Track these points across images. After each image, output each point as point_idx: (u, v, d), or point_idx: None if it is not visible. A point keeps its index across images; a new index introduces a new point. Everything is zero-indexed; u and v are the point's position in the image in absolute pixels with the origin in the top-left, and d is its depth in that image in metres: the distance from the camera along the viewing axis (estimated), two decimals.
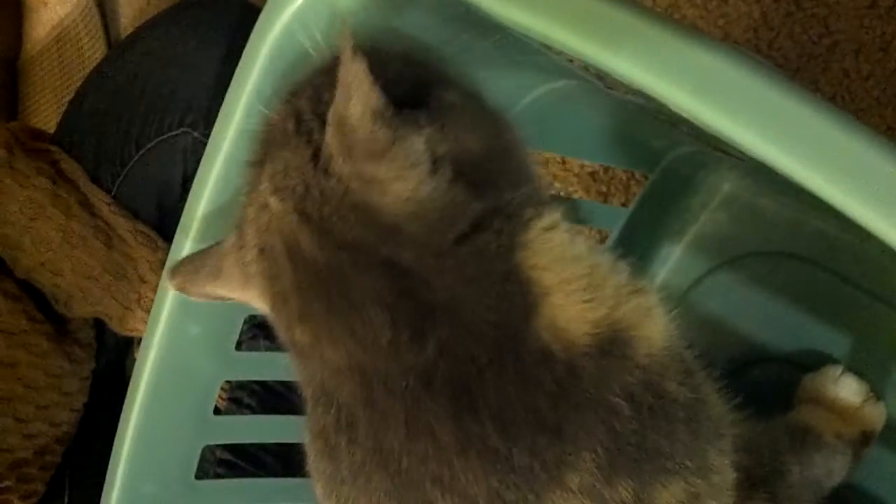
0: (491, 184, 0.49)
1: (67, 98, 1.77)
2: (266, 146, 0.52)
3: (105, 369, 1.18)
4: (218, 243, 0.57)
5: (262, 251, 0.51)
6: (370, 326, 0.47)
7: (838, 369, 0.74)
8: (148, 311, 1.08)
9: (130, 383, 0.67)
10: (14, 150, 1.07)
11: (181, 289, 0.59)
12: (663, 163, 0.84)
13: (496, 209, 0.48)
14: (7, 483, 1.04)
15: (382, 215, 0.46)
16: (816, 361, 0.77)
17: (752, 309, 0.83)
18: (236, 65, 0.59)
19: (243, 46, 0.58)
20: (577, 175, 1.00)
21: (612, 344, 0.48)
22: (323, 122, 0.48)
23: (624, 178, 0.98)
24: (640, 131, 0.81)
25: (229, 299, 0.56)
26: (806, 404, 0.74)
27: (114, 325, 1.12)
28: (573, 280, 0.49)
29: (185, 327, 0.66)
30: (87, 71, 1.69)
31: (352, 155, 0.46)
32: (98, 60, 1.70)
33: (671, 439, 0.49)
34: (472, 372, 0.46)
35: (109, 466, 0.69)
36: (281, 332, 0.52)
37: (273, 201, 0.50)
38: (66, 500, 1.11)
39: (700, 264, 0.86)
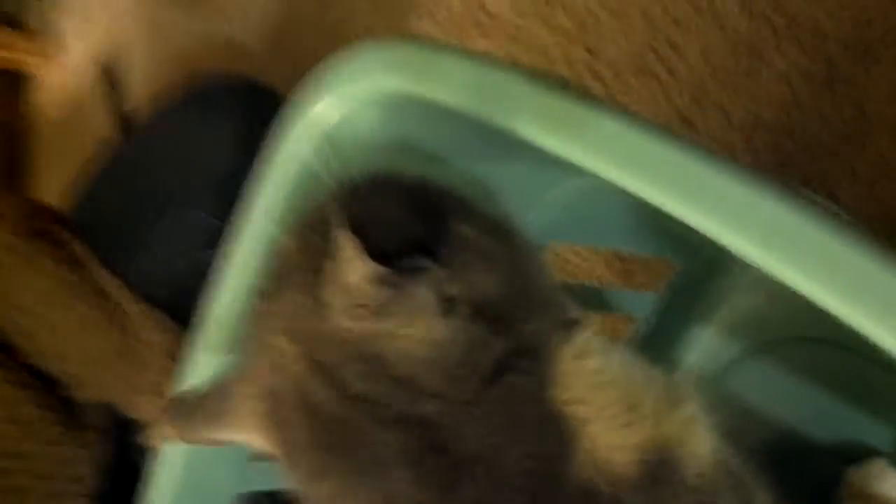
0: (512, 319, 0.46)
1: (72, 166, 1.77)
2: (277, 277, 0.49)
3: (117, 449, 1.16)
4: (216, 383, 0.54)
5: (272, 394, 0.48)
6: (398, 484, 0.44)
7: (882, 464, 0.72)
8: (161, 397, 1.08)
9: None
10: (24, 234, 1.06)
11: (179, 436, 0.55)
12: (691, 247, 0.82)
13: (520, 346, 0.45)
14: None
15: (395, 367, 0.44)
16: (860, 454, 0.74)
17: (789, 396, 0.80)
18: (247, 153, 0.58)
19: (253, 133, 0.58)
20: (599, 254, 0.98)
21: (660, 469, 0.45)
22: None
23: (647, 256, 0.96)
24: (667, 219, 0.79)
25: (231, 443, 0.53)
26: (852, 500, 0.71)
27: (124, 409, 1.10)
28: (610, 406, 0.46)
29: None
30: (92, 138, 1.70)
31: (352, 314, 0.44)
32: (103, 127, 1.71)
33: None
34: None
35: None
36: (294, 481, 0.49)
37: (283, 342, 0.47)
38: None
39: (731, 348, 0.83)
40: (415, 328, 0.43)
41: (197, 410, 0.54)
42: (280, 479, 0.71)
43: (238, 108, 1.10)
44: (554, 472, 0.44)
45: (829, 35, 0.84)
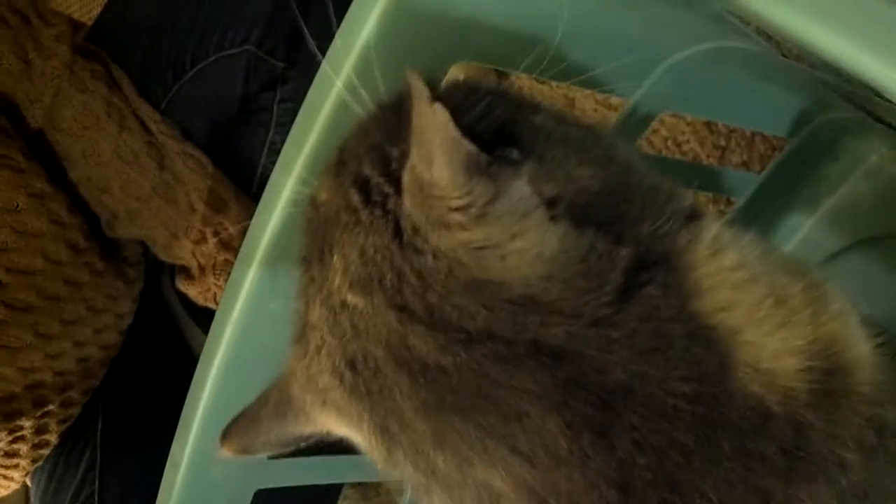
0: (624, 219, 0.39)
1: None
2: (320, 234, 0.42)
3: (143, 289, 1.12)
4: (271, 387, 0.46)
5: (351, 364, 0.41)
6: (538, 435, 0.37)
7: None
8: (195, 242, 1.02)
9: (181, 422, 0.60)
10: (79, 51, 0.98)
11: (242, 451, 0.47)
12: (808, 127, 0.75)
13: (648, 251, 0.39)
14: (51, 407, 1.00)
15: (510, 288, 0.37)
16: None
17: (888, 295, 0.74)
18: None
19: None
20: (689, 124, 0.89)
21: (832, 376, 0.39)
22: (399, 187, 0.38)
23: (748, 132, 0.86)
24: (789, 94, 0.71)
25: (305, 439, 0.47)
26: None
27: (157, 251, 1.06)
28: (759, 306, 0.40)
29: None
30: None
31: (449, 225, 0.37)
32: None
33: (893, 478, 0.41)
34: (679, 463, 0.37)
35: None
36: (393, 464, 0.42)
37: (354, 299, 0.40)
38: (100, 423, 1.07)
39: (833, 240, 0.77)
40: (525, 239, 0.37)
41: (254, 417, 0.47)
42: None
43: None
44: (715, 394, 0.38)
45: None
